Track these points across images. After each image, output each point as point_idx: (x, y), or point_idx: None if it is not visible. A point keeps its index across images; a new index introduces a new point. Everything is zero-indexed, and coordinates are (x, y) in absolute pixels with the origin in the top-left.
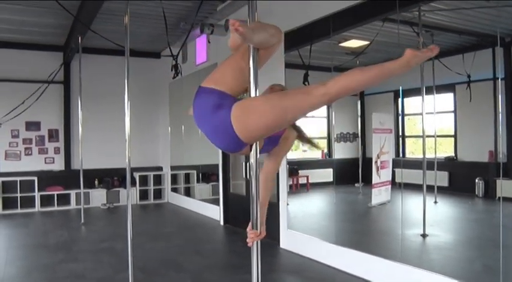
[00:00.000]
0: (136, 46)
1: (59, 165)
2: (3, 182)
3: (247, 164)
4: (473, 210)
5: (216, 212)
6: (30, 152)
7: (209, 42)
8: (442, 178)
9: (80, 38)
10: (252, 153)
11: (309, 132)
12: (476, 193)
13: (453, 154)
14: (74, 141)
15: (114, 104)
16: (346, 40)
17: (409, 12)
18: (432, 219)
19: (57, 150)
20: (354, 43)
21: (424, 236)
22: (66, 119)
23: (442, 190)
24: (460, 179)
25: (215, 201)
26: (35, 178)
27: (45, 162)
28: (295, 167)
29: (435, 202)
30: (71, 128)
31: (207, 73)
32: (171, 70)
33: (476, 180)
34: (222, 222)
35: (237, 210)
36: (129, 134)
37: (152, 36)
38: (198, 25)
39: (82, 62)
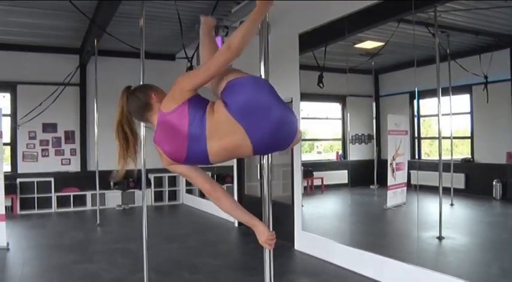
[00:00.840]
0: (151, 48)
1: (75, 166)
2: (20, 183)
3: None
4: (491, 212)
5: None
6: (47, 154)
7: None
8: (458, 180)
9: (95, 40)
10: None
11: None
12: (494, 195)
13: (470, 156)
14: (90, 143)
15: None
16: (361, 41)
17: (425, 13)
18: (448, 221)
19: (73, 152)
20: (368, 44)
21: (440, 238)
22: (82, 120)
23: (458, 192)
24: (477, 181)
25: None
26: (52, 179)
27: (62, 164)
28: (309, 169)
29: (451, 204)
30: (87, 129)
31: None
32: (186, 72)
33: (494, 183)
34: (236, 224)
35: (252, 212)
36: (144, 135)
37: (167, 38)
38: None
39: (98, 64)
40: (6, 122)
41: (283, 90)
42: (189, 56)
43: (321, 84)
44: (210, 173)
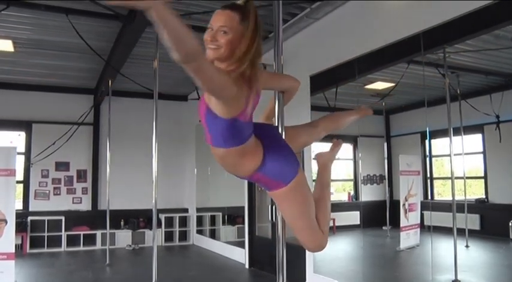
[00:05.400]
0: (164, 89)
1: (86, 205)
2: (31, 221)
3: (273, 206)
4: (508, 255)
5: (241, 255)
6: (58, 192)
7: None
8: (473, 221)
9: (110, 81)
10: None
11: (335, 174)
12: (511, 237)
13: (484, 196)
14: (102, 182)
15: (142, 146)
16: (371, 82)
17: (434, 54)
18: (464, 264)
19: (84, 191)
20: (379, 85)
21: None
22: (95, 159)
23: (473, 234)
24: (492, 222)
25: (240, 244)
26: (62, 218)
27: (73, 202)
28: None
29: (466, 246)
30: (99, 168)
31: None
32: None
33: (510, 224)
34: (247, 266)
35: (263, 254)
36: (156, 175)
37: (180, 80)
38: None
39: (112, 105)
40: (20, 159)
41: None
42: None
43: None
44: (221, 214)
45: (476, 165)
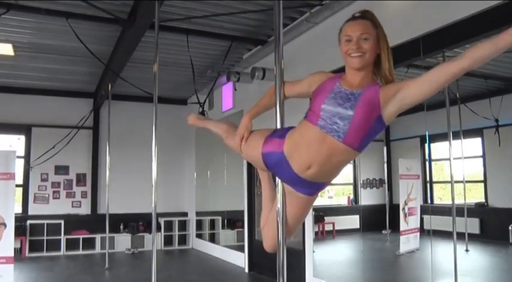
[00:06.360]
0: (164, 93)
1: (85, 209)
2: (30, 225)
3: None
4: (508, 259)
5: (240, 259)
6: (58, 196)
7: (235, 89)
8: (472, 225)
9: (109, 85)
10: (278, 198)
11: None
12: (511, 241)
13: (484, 200)
14: (101, 186)
15: (141, 150)
16: None
17: (434, 58)
18: (464, 268)
19: (84, 194)
20: None
21: None
22: (94, 163)
23: (473, 237)
24: (492, 226)
25: (240, 248)
26: (62, 221)
27: (72, 206)
28: (320, 214)
29: (466, 250)
30: (99, 172)
31: (233, 120)
32: None
33: (510, 228)
34: (246, 270)
35: (262, 258)
36: (155, 179)
37: (179, 84)
38: (224, 73)
39: (111, 109)
40: (20, 163)
41: None
42: (201, 101)
43: None
44: (220, 218)
45: (476, 169)
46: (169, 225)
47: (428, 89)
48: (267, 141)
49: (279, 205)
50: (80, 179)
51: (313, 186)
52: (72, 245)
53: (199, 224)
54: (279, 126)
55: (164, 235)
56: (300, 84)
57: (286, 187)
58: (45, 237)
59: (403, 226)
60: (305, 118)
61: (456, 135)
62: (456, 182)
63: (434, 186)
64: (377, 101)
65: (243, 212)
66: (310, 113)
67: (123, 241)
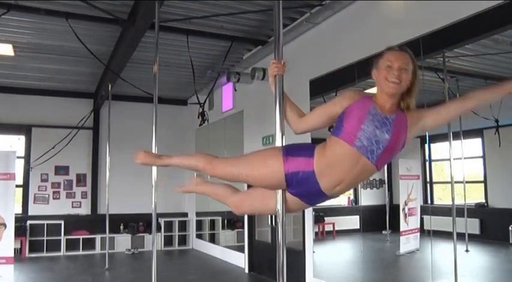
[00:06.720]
0: (164, 93)
1: (85, 209)
2: (30, 225)
3: None
4: (508, 259)
5: (240, 260)
6: (58, 196)
7: (235, 90)
8: (473, 225)
9: (110, 85)
10: (278, 200)
11: None
12: (511, 241)
13: (484, 200)
14: (101, 186)
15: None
16: (371, 87)
17: (434, 59)
18: (464, 268)
19: (84, 195)
20: None
21: None
22: (94, 164)
23: (473, 238)
24: (492, 226)
25: (240, 248)
26: (62, 222)
27: (72, 207)
28: (321, 214)
29: (466, 250)
30: (99, 172)
31: (233, 120)
32: (198, 117)
33: (510, 228)
34: (246, 270)
35: (262, 258)
36: (155, 179)
37: (179, 84)
38: (224, 73)
39: (111, 109)
40: (20, 163)
41: (294, 135)
42: (201, 102)
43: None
44: (220, 218)
45: (476, 169)
46: (169, 226)
47: (442, 122)
48: (289, 161)
49: (279, 206)
50: (80, 179)
51: (326, 199)
52: (72, 245)
53: (199, 225)
54: (278, 126)
55: (164, 235)
56: (330, 105)
57: (295, 201)
58: (45, 238)
59: (403, 226)
60: (337, 136)
61: (456, 136)
62: (456, 182)
63: (435, 186)
64: (406, 127)
65: None
66: (345, 132)
67: (123, 241)
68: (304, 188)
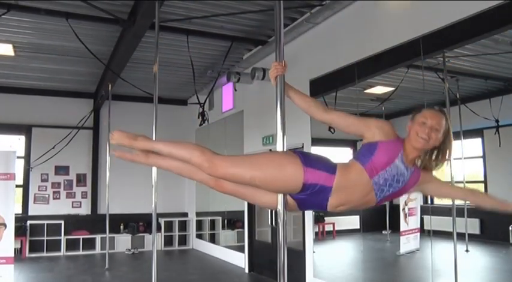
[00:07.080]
0: (164, 93)
1: (85, 209)
2: (30, 225)
3: (273, 211)
4: (508, 259)
5: (241, 260)
6: (58, 196)
7: (235, 90)
8: (473, 225)
9: (110, 85)
10: (279, 200)
11: None
12: (511, 241)
13: None
14: (101, 186)
15: None
16: (371, 87)
17: (434, 59)
18: (464, 268)
19: (84, 195)
20: (379, 90)
21: None
22: (94, 164)
23: (473, 238)
24: (493, 226)
25: (240, 248)
26: (62, 222)
27: (72, 207)
28: (321, 214)
29: (467, 250)
30: (99, 172)
31: (233, 120)
32: (198, 117)
33: (510, 228)
34: (246, 270)
35: (262, 258)
36: (155, 180)
37: (180, 84)
38: (224, 73)
39: (111, 109)
40: (20, 163)
41: (295, 136)
42: (201, 102)
43: (332, 130)
44: (220, 218)
45: (476, 169)
46: (169, 226)
47: (438, 195)
48: (309, 172)
49: (280, 207)
50: (80, 179)
51: (321, 210)
52: (72, 245)
53: (199, 225)
54: (279, 126)
55: (164, 235)
56: (364, 125)
57: (291, 204)
58: (45, 238)
59: (403, 226)
60: (362, 165)
61: (456, 136)
62: (456, 182)
63: None
64: (416, 183)
65: (243, 212)
66: (371, 165)
67: (123, 241)
68: (311, 198)
